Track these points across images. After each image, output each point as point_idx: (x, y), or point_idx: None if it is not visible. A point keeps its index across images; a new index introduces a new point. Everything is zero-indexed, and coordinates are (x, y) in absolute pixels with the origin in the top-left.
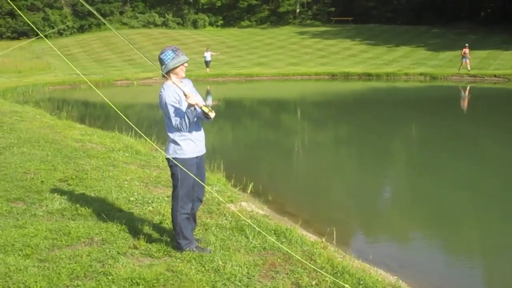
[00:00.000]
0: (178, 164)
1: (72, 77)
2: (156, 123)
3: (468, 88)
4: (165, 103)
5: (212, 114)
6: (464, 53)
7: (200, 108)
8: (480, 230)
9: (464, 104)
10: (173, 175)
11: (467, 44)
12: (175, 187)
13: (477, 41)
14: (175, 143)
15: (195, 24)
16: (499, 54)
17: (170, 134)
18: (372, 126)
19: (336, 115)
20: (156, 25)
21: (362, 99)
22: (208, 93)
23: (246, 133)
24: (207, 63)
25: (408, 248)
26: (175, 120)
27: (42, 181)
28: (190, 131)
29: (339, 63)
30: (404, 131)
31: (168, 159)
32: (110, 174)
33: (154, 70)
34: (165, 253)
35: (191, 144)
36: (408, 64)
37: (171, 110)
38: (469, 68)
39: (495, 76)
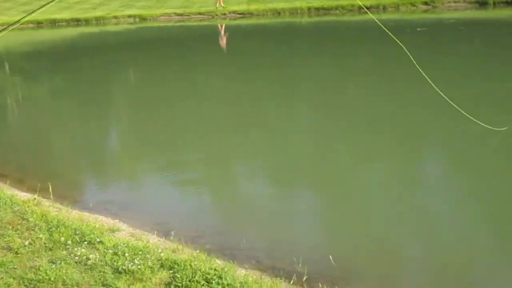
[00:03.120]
0: None
1: None
2: None
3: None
4: None
5: None
6: None
7: None
8: (204, 168)
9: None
10: None
11: None
12: None
13: None
14: None
15: None
16: None
17: None
18: (88, 74)
19: (49, 65)
20: None
21: (73, 46)
22: None
23: None
24: None
25: (130, 191)
26: None
27: None
28: None
29: (44, 10)
30: (122, 74)
31: None
32: None
33: None
34: None
35: None
36: (116, 6)
37: None
38: (222, 4)
39: (200, 13)
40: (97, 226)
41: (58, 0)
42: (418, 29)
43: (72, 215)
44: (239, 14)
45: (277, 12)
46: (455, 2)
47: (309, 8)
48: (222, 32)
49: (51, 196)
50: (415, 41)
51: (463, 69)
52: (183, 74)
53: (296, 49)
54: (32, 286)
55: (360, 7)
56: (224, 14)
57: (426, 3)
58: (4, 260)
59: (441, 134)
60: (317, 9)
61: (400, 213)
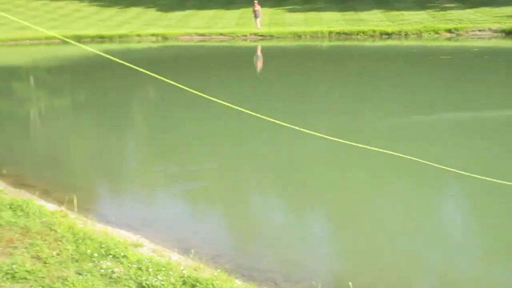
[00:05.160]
0: None
1: None
2: None
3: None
4: None
5: None
6: (257, 10)
7: None
8: (221, 184)
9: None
10: None
11: (256, 1)
12: None
13: (204, 1)
14: None
15: None
16: (224, 13)
17: None
18: (109, 89)
19: (71, 79)
20: None
21: (96, 62)
22: None
23: None
24: None
25: (151, 207)
26: None
27: None
28: None
29: (71, 26)
30: (141, 93)
31: None
32: None
33: None
34: None
35: None
36: (140, 25)
37: None
38: (259, 26)
39: (221, 34)
40: (120, 240)
41: None
42: (442, 57)
43: (97, 228)
44: (259, 36)
45: (298, 36)
46: (480, 30)
47: (330, 32)
48: (259, 53)
49: (76, 208)
50: (441, 69)
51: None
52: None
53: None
54: None
55: (381, 33)
56: (245, 36)
57: (449, 31)
58: (34, 268)
59: None
60: (338, 33)
61: (423, 241)
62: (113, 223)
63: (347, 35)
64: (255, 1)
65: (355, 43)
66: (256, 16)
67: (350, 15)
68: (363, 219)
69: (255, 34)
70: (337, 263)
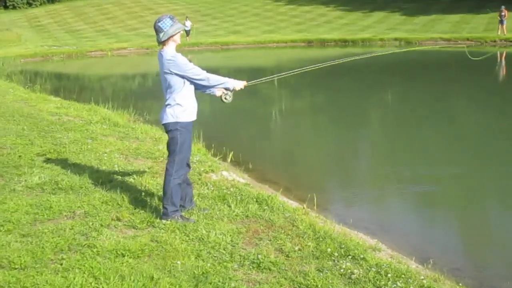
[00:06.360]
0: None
1: (44, 49)
2: (132, 94)
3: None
4: (186, 64)
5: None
6: (504, 15)
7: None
8: (459, 190)
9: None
10: (172, 140)
11: (503, 6)
12: (173, 152)
13: (450, 5)
14: (179, 105)
15: None
16: (472, 18)
17: (174, 98)
18: (349, 92)
19: (313, 81)
20: None
21: (338, 65)
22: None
23: (223, 103)
24: (187, 32)
25: (387, 211)
26: (202, 74)
27: (19, 156)
28: (190, 97)
29: (315, 30)
30: (381, 96)
31: (167, 124)
32: (89, 147)
33: (129, 40)
34: (148, 224)
35: (191, 108)
36: (383, 29)
37: (192, 68)
38: (504, 32)
39: (468, 39)
40: (360, 242)
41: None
42: None
43: (336, 228)
44: (510, 42)
45: None
46: None
47: None
48: (502, 61)
49: (315, 207)
50: None
51: None
52: (440, 98)
53: None
54: None
55: None
56: (494, 41)
57: None
58: (277, 260)
59: None
60: None
61: None
62: (351, 225)
63: None
64: (502, 6)
65: None
66: (501, 21)
67: None
68: None
69: (505, 40)
70: None
